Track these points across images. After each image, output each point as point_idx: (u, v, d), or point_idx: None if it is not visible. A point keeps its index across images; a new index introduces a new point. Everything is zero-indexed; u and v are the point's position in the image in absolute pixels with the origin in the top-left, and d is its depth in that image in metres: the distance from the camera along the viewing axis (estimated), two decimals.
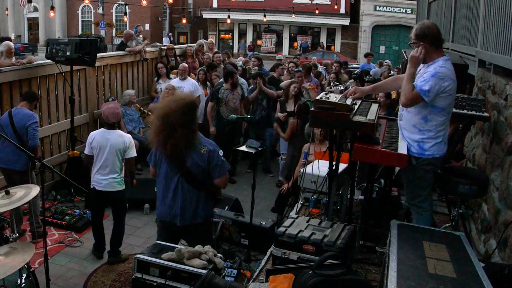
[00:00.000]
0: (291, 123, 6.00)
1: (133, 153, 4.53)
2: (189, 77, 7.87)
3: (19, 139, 4.66)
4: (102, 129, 4.64)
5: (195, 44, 9.93)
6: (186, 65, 8.00)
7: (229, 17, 20.22)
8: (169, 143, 3.23)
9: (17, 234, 3.50)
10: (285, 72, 8.38)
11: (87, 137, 6.74)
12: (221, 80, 7.45)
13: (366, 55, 13.47)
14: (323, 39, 30.22)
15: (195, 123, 3.33)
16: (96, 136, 4.50)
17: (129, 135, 4.62)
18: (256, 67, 9.19)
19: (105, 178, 4.43)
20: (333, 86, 3.70)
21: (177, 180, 3.35)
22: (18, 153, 4.65)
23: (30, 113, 4.83)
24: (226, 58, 10.00)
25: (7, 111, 4.94)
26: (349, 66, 12.21)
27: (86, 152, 4.58)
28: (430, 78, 2.89)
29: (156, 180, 3.51)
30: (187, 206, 3.36)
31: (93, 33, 30.85)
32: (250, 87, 7.68)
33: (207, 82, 8.02)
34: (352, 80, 7.41)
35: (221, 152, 3.38)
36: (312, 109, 3.13)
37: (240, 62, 9.64)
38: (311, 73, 8.29)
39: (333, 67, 9.17)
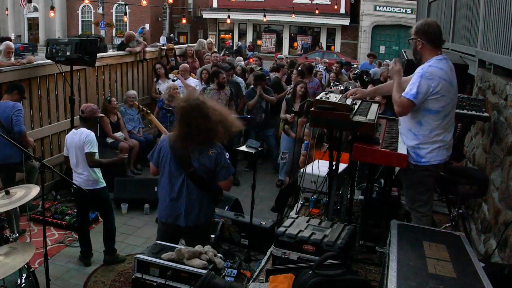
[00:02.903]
0: (301, 122, 6.06)
1: (88, 148, 4.39)
2: (190, 77, 7.87)
3: (8, 133, 4.72)
4: (73, 129, 4.70)
5: (195, 44, 9.92)
6: (187, 65, 8.00)
7: (229, 17, 20.24)
8: (188, 135, 3.19)
9: (17, 234, 3.50)
10: (294, 72, 8.32)
11: None
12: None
13: (369, 55, 13.48)
14: (323, 39, 30.21)
15: (217, 124, 3.24)
16: (68, 137, 4.59)
17: (88, 131, 4.49)
18: (259, 67, 9.20)
19: (79, 176, 4.47)
20: (333, 86, 3.70)
21: (182, 181, 3.32)
22: (11, 146, 4.68)
23: (12, 103, 4.91)
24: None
25: None
26: (351, 66, 12.16)
27: (64, 153, 4.66)
28: (417, 80, 2.85)
29: (159, 180, 3.49)
30: (192, 207, 3.34)
31: (93, 33, 30.81)
32: (250, 87, 7.64)
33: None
34: (352, 81, 7.40)
35: (227, 155, 3.36)
36: (312, 109, 3.14)
37: (242, 63, 9.62)
38: (312, 74, 8.28)
39: (334, 67, 9.16)
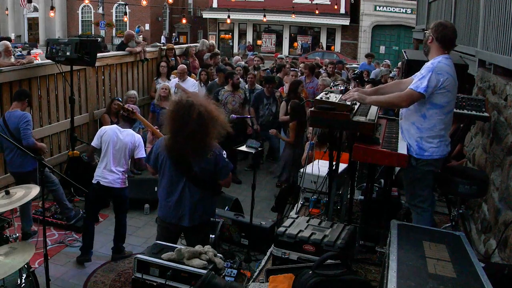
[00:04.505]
0: (292, 125, 5.97)
1: (142, 153, 4.51)
2: (189, 78, 7.85)
3: (17, 142, 4.67)
4: (115, 125, 4.70)
5: (196, 44, 9.92)
6: (185, 66, 7.98)
7: (229, 17, 20.28)
8: (179, 145, 3.19)
9: (17, 234, 3.50)
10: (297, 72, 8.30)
11: (87, 137, 6.83)
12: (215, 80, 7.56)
13: (367, 56, 13.43)
14: (323, 39, 30.21)
15: (210, 130, 3.21)
16: (108, 131, 4.53)
17: (138, 135, 4.62)
18: (261, 65, 9.24)
19: (111, 174, 4.45)
20: (333, 86, 3.71)
21: (183, 184, 3.32)
22: (23, 155, 4.66)
23: (21, 114, 4.81)
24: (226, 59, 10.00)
25: (1, 117, 4.93)
26: (347, 65, 12.08)
27: (93, 144, 4.59)
28: (427, 74, 2.93)
29: (159, 182, 3.48)
30: (196, 207, 3.35)
31: (93, 33, 30.84)
32: (260, 88, 7.51)
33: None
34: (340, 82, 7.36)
35: (225, 154, 3.38)
36: (312, 109, 3.14)
37: (242, 62, 9.60)
38: (314, 74, 8.27)
39: (327, 68, 9.12)
